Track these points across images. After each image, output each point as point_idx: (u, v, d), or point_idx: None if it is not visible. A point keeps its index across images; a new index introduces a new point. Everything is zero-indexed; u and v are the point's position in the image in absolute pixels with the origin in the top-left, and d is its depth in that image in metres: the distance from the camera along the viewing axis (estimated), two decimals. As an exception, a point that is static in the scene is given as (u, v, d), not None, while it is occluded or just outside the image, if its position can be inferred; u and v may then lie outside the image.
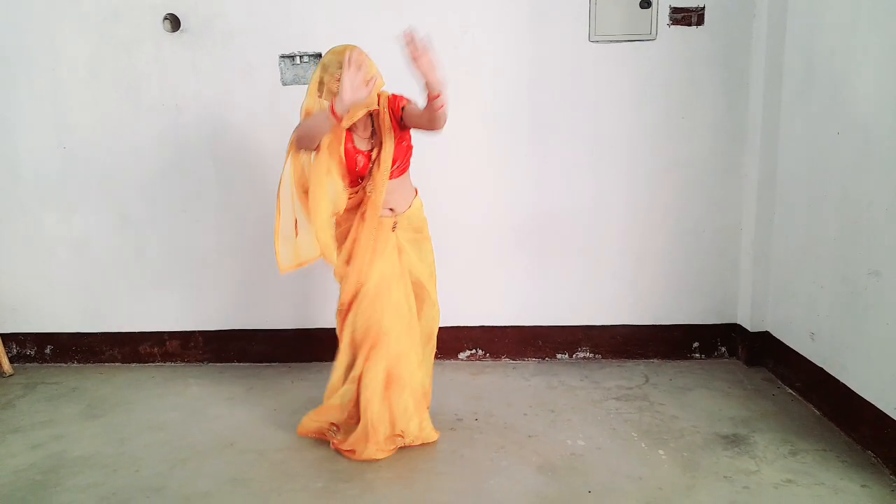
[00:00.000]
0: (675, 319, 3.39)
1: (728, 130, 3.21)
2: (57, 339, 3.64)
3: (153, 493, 2.31)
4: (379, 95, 2.41)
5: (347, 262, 2.48)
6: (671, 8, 3.10)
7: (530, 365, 3.39)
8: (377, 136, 2.45)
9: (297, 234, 2.52)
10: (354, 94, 2.16)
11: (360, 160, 2.44)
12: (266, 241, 3.43)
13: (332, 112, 2.19)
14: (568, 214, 3.32)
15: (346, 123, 2.32)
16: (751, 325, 3.24)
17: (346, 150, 2.42)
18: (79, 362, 3.65)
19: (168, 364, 3.61)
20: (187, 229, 3.45)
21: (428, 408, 2.67)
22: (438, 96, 2.18)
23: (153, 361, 3.62)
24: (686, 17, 3.12)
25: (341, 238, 2.52)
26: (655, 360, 3.41)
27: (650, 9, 3.09)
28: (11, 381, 3.43)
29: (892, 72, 2.24)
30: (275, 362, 3.55)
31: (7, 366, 3.51)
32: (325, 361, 3.50)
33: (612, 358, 3.44)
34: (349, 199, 2.48)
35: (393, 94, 2.43)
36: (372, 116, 2.45)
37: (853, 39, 2.47)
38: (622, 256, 3.35)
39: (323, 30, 3.20)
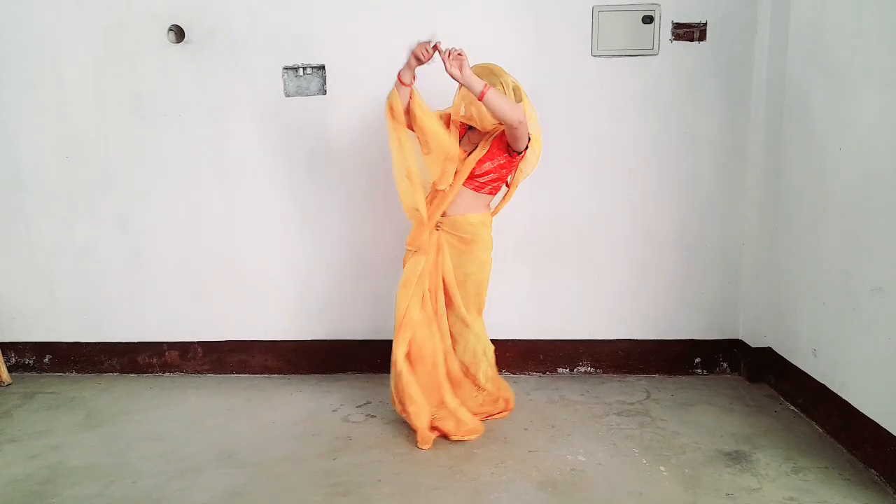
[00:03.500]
0: (676, 334, 3.38)
1: (730, 145, 3.21)
2: (56, 348, 3.63)
3: (150, 504, 2.30)
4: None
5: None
6: (673, 23, 3.11)
7: (531, 379, 3.38)
8: (482, 147, 2.65)
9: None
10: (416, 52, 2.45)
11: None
12: (266, 251, 3.44)
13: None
14: (569, 228, 3.32)
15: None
16: (753, 341, 3.23)
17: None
18: (77, 372, 3.64)
19: (167, 375, 3.60)
20: (188, 239, 3.45)
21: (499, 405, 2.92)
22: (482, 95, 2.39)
23: (152, 372, 3.61)
24: (688, 33, 3.13)
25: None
26: (657, 376, 3.39)
27: (652, 24, 3.11)
28: (9, 391, 3.42)
29: None
30: (274, 374, 3.54)
31: (5, 375, 3.50)
32: (324, 374, 3.51)
33: (613, 373, 3.42)
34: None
35: None
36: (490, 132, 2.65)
37: (856, 55, 2.48)
38: (624, 270, 3.35)
39: (326, 42, 3.22)
